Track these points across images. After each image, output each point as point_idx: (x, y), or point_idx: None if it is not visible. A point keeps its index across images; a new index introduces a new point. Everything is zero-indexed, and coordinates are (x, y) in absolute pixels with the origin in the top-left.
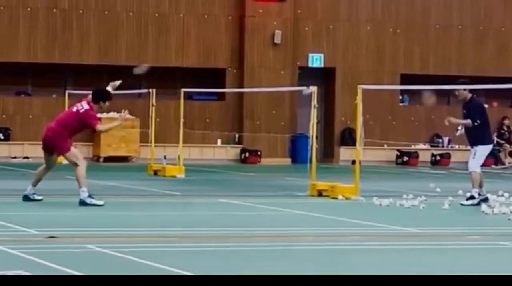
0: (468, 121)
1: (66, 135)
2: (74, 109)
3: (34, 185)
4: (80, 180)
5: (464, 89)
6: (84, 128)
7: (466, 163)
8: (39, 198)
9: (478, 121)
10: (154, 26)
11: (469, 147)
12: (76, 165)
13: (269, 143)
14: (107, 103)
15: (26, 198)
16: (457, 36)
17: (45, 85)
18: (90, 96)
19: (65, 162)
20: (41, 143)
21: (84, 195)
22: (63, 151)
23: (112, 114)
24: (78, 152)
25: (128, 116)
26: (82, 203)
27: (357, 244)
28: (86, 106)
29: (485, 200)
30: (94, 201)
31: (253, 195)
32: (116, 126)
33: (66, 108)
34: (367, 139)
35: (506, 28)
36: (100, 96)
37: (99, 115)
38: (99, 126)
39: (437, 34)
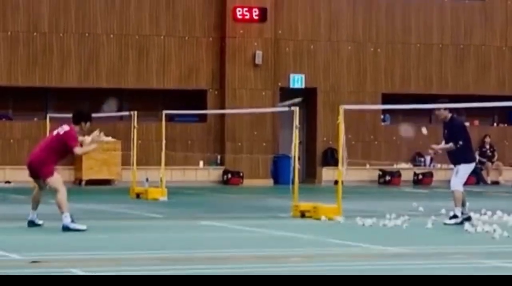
0: (450, 145)
1: (49, 160)
2: (55, 133)
3: (34, 208)
4: (62, 205)
5: (445, 109)
6: (67, 151)
7: (449, 181)
8: (40, 222)
9: (460, 142)
10: (134, 48)
11: (451, 166)
12: (56, 190)
13: (251, 164)
14: (88, 124)
15: (31, 223)
16: (438, 54)
17: (26, 109)
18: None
19: None
20: (27, 167)
21: (66, 220)
22: (46, 176)
23: (93, 135)
24: (60, 178)
25: (104, 138)
26: (66, 228)
27: (344, 264)
28: (66, 128)
29: (468, 218)
30: (77, 226)
31: (236, 217)
32: (92, 150)
33: (48, 132)
34: (350, 160)
35: (486, 46)
36: (80, 117)
37: (80, 138)
38: (77, 149)
39: (418, 53)
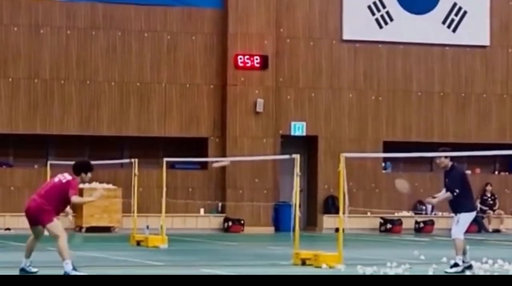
0: (448, 195)
1: (49, 207)
2: (56, 180)
3: (27, 256)
4: (63, 252)
5: (445, 157)
6: (66, 200)
7: (450, 229)
8: (35, 270)
9: (457, 191)
10: (136, 95)
11: (452, 214)
12: (57, 237)
13: (252, 212)
14: (88, 174)
15: (23, 271)
16: (439, 103)
17: (27, 156)
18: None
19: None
20: (24, 214)
21: (68, 267)
22: (45, 222)
23: (94, 184)
24: (60, 224)
25: (104, 193)
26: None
27: None
28: (69, 177)
29: (469, 267)
30: (78, 274)
31: (237, 265)
32: (89, 202)
33: (49, 179)
34: (351, 208)
35: (487, 94)
36: (81, 168)
37: (81, 186)
38: (74, 198)
39: (419, 101)
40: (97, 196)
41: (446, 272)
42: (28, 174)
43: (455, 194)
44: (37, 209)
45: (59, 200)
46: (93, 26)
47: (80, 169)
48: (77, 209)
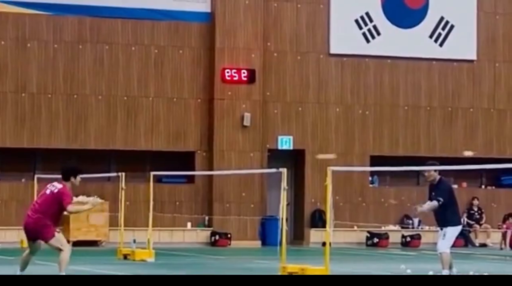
0: (434, 203)
1: (47, 221)
2: (48, 192)
3: (22, 270)
4: (62, 264)
5: (435, 171)
6: (62, 210)
7: (436, 244)
8: None
9: (441, 199)
10: (123, 109)
11: (438, 228)
12: (60, 250)
13: (239, 226)
14: (78, 178)
15: None
16: (426, 117)
17: (14, 170)
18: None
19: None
20: (23, 230)
21: None
22: (47, 237)
23: (81, 198)
24: (62, 236)
25: (99, 200)
26: None
27: None
28: (59, 186)
29: None
30: None
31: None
32: (86, 210)
33: (36, 193)
34: (337, 221)
35: (474, 108)
36: (69, 173)
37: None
38: (70, 207)
39: (406, 115)
40: (93, 203)
41: None
42: (15, 188)
43: (439, 202)
44: (35, 225)
45: (55, 211)
46: (80, 40)
47: (69, 174)
48: (64, 222)
